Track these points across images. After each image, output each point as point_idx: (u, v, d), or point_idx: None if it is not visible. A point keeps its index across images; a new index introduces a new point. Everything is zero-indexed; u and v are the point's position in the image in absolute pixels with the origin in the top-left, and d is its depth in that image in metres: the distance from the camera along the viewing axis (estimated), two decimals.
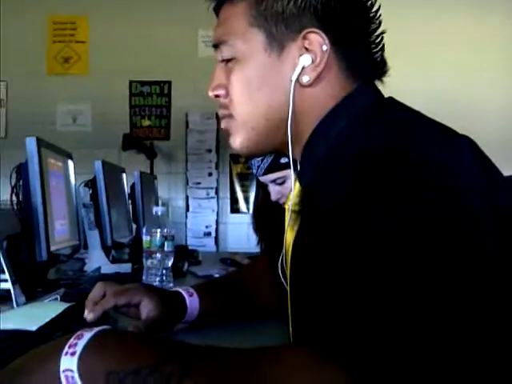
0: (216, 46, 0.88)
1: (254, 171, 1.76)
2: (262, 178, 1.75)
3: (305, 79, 0.82)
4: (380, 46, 0.86)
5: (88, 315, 1.06)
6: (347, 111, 0.82)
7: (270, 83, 0.84)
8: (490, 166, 0.73)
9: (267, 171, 1.70)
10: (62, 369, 0.61)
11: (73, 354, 0.61)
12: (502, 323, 0.60)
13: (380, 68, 0.87)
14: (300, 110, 0.84)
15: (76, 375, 0.60)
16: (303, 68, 0.82)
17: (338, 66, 0.83)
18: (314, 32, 0.81)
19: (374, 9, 0.85)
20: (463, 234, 0.61)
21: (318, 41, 0.81)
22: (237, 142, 0.89)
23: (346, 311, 0.59)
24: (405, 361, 0.54)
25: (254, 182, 4.16)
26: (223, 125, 0.90)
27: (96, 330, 0.64)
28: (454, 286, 0.57)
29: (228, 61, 0.87)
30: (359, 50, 0.84)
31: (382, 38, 0.86)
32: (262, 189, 1.89)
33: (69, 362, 0.61)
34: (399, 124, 0.75)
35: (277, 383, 0.56)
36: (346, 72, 0.84)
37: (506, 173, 0.77)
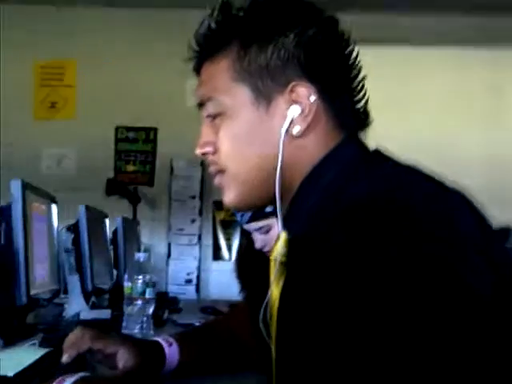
0: (201, 105, 0.88)
1: (239, 219, 1.76)
2: (246, 226, 1.76)
3: (295, 130, 0.82)
4: (362, 94, 0.87)
5: (63, 356, 1.04)
6: (336, 162, 0.82)
7: (259, 137, 0.84)
8: (483, 218, 0.73)
9: (252, 219, 1.70)
10: None
11: None
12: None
13: (364, 119, 0.88)
14: (290, 161, 0.83)
15: None
16: (292, 120, 0.82)
17: (325, 116, 0.84)
18: (300, 84, 0.82)
19: (353, 56, 0.86)
20: (466, 288, 0.60)
21: (305, 92, 0.82)
22: (230, 196, 0.88)
23: (331, 373, 0.58)
24: None
25: (238, 230, 4.19)
26: (216, 181, 0.89)
27: (76, 376, 0.64)
28: (460, 362, 0.57)
29: (215, 117, 0.86)
30: (345, 100, 0.85)
31: (364, 84, 0.87)
32: (246, 236, 1.89)
33: None
34: (392, 176, 0.76)
35: None
36: (334, 122, 0.84)
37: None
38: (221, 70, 0.85)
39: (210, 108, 0.86)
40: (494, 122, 4.47)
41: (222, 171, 0.87)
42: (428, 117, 4.41)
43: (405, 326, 0.57)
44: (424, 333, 0.57)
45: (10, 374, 1.02)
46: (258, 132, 0.84)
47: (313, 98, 0.82)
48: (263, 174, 0.85)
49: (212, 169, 0.89)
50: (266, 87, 0.83)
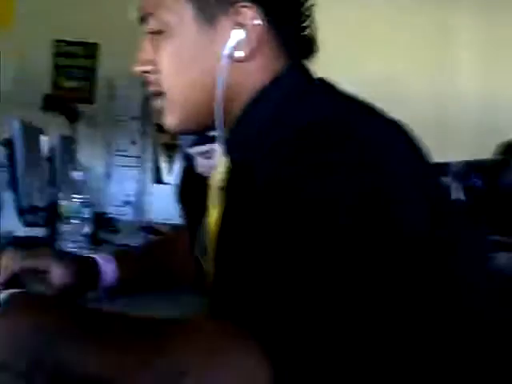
0: (142, 20, 0.84)
1: (182, 142, 1.74)
2: (189, 150, 1.73)
3: (237, 54, 0.79)
4: (310, 21, 0.84)
5: None
6: (279, 89, 0.81)
7: (200, 59, 0.81)
8: (420, 151, 0.74)
9: (195, 143, 1.68)
10: None
11: None
12: (424, 305, 0.62)
13: (310, 46, 0.86)
14: (232, 86, 0.81)
15: None
16: (235, 43, 0.79)
17: (270, 42, 0.81)
18: (245, 6, 0.79)
19: None
20: (397, 220, 0.62)
21: (250, 15, 0.79)
22: (169, 119, 0.85)
23: (266, 288, 0.59)
24: (319, 343, 0.56)
25: (180, 153, 4.16)
26: (157, 104, 0.86)
27: (6, 293, 0.63)
28: (376, 268, 0.59)
29: (156, 34, 0.82)
30: (291, 26, 0.83)
31: (311, 12, 0.84)
32: (189, 161, 1.87)
33: None
34: (332, 103, 0.75)
35: (191, 352, 0.57)
36: (279, 48, 0.82)
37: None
38: None
39: (152, 24, 0.82)
40: (440, 59, 4.50)
41: (161, 93, 0.84)
42: (375, 53, 4.40)
43: (328, 248, 0.59)
44: (344, 246, 0.59)
45: None
46: (199, 53, 0.81)
47: (258, 21, 0.79)
48: (204, 98, 0.82)
49: (151, 89, 0.86)
50: (211, 7, 0.79)
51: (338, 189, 0.61)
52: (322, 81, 0.83)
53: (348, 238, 0.59)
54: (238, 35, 0.79)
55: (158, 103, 0.86)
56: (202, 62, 0.81)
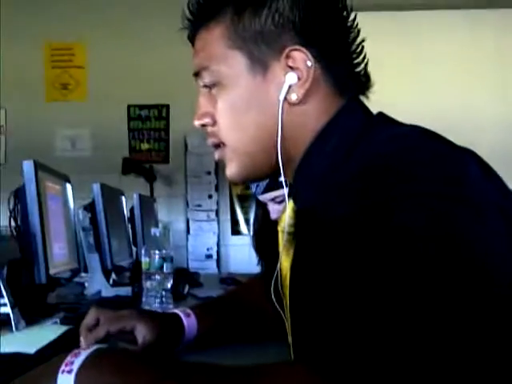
0: (197, 75, 0.86)
1: (253, 190, 1.76)
2: (261, 197, 1.75)
3: (293, 97, 0.80)
4: (362, 57, 0.85)
5: (82, 343, 1.05)
6: (339, 128, 0.80)
7: (257, 105, 0.82)
8: (495, 176, 0.71)
9: (266, 190, 1.70)
10: None
11: (69, 371, 0.61)
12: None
13: (364, 82, 0.86)
14: (291, 129, 0.82)
15: None
16: (290, 86, 0.80)
17: (324, 82, 0.82)
18: (296, 49, 0.80)
19: (351, 18, 0.84)
20: (477, 247, 0.59)
21: (301, 58, 0.80)
22: (232, 170, 0.86)
23: (346, 332, 0.57)
24: None
25: (254, 203, 4.18)
26: (217, 155, 0.88)
27: (92, 348, 0.64)
28: (462, 312, 0.55)
29: (211, 87, 0.84)
30: (343, 64, 0.83)
31: (363, 47, 0.85)
32: (262, 208, 1.88)
33: (65, 380, 0.61)
34: (398, 138, 0.73)
35: None
36: (333, 87, 0.83)
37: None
38: (215, 37, 0.83)
39: (206, 77, 0.84)
40: (504, 83, 4.37)
41: (221, 144, 0.86)
42: (438, 81, 4.33)
43: (411, 291, 0.56)
44: (428, 292, 0.55)
45: (32, 350, 1.03)
46: (255, 101, 0.82)
47: (309, 63, 0.80)
48: (264, 145, 0.83)
49: (210, 141, 0.87)
50: (262, 54, 0.81)
51: (419, 222, 0.59)
52: (382, 115, 0.82)
53: (433, 278, 0.56)
54: (291, 79, 0.80)
55: (217, 154, 0.87)
56: (258, 109, 0.82)
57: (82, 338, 1.05)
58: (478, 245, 0.59)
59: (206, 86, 0.85)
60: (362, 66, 0.85)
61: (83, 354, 0.62)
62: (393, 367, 0.53)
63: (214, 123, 0.85)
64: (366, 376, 0.53)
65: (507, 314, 0.56)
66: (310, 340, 0.70)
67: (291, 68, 0.80)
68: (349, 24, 0.84)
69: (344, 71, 0.83)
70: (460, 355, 0.53)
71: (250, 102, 0.82)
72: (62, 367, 0.62)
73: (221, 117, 0.84)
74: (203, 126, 0.87)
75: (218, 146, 0.87)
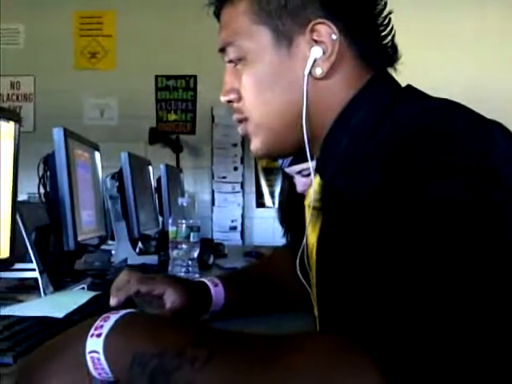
0: (222, 50, 0.86)
1: (280, 162, 1.75)
2: (287, 170, 1.74)
3: (318, 72, 0.79)
4: (389, 29, 0.83)
5: (111, 300, 1.06)
6: (367, 102, 0.79)
7: (283, 80, 0.81)
8: None
9: (293, 162, 1.69)
10: (87, 350, 0.61)
11: (99, 335, 0.61)
12: None
13: (392, 54, 0.84)
14: (316, 103, 0.81)
15: (102, 357, 0.60)
16: (315, 61, 0.79)
17: (350, 55, 0.81)
18: (321, 23, 0.79)
19: None
20: (501, 218, 0.58)
21: (326, 31, 0.78)
22: (256, 145, 0.86)
23: (376, 300, 0.57)
24: (432, 355, 0.53)
25: (279, 177, 4.18)
26: (241, 130, 0.87)
27: (122, 312, 0.64)
28: (487, 279, 0.55)
29: (236, 62, 0.84)
30: (369, 36, 0.82)
31: (390, 19, 0.83)
32: (288, 180, 1.88)
33: (95, 344, 0.61)
34: (426, 110, 0.72)
35: (302, 369, 0.55)
36: (360, 60, 0.81)
37: None
38: (240, 12, 0.83)
39: (231, 53, 0.84)
40: None
41: (245, 119, 0.86)
42: (465, 54, 4.24)
43: (440, 260, 0.55)
44: (454, 259, 0.55)
45: (61, 315, 1.04)
46: (280, 76, 0.81)
47: (334, 36, 0.79)
48: (288, 120, 0.82)
49: (235, 117, 0.87)
50: (287, 28, 0.80)
51: (449, 195, 0.58)
52: (410, 88, 0.81)
53: (461, 250, 0.56)
54: (316, 53, 0.79)
55: (242, 129, 0.87)
56: (283, 83, 0.81)
57: (112, 298, 1.07)
58: (501, 219, 0.59)
59: (231, 62, 0.85)
60: (389, 37, 0.83)
61: (113, 318, 0.63)
62: (419, 334, 0.53)
63: (240, 99, 0.85)
64: (392, 345, 0.53)
65: None
66: (337, 312, 0.70)
67: (316, 42, 0.79)
68: None
69: (370, 44, 0.82)
70: (477, 316, 0.54)
71: (275, 77, 0.81)
72: (92, 331, 0.62)
73: (246, 92, 0.84)
74: (229, 102, 0.87)
75: (242, 121, 0.86)
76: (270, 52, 0.81)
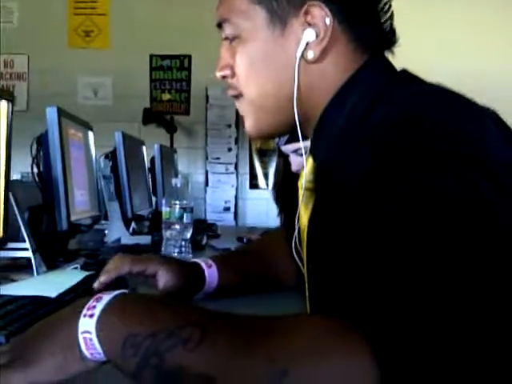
0: (219, 26, 0.86)
1: (276, 140, 1.74)
2: (283, 148, 1.73)
3: (310, 55, 0.79)
4: (388, 14, 0.83)
5: (101, 278, 1.08)
6: (360, 85, 0.79)
7: (275, 61, 0.81)
8: None
9: (289, 141, 1.68)
10: (80, 330, 0.62)
11: (91, 315, 0.62)
12: None
13: (389, 38, 0.84)
14: (308, 86, 0.81)
15: (94, 337, 0.61)
16: (308, 44, 0.79)
17: (344, 39, 0.80)
18: (315, 5, 0.78)
19: None
20: (489, 207, 0.58)
21: (320, 14, 0.78)
22: (248, 122, 0.87)
23: (367, 283, 0.57)
24: (423, 331, 0.52)
25: (274, 158, 4.18)
26: (238, 107, 0.88)
27: (115, 293, 0.64)
28: (477, 262, 0.55)
29: (232, 40, 0.84)
30: (366, 20, 0.81)
31: (390, 5, 0.83)
32: (284, 159, 1.87)
33: (87, 324, 0.61)
34: (420, 95, 0.72)
35: (295, 351, 0.55)
36: (354, 44, 0.81)
37: None
38: None
39: (227, 30, 0.84)
40: None
41: (239, 95, 0.86)
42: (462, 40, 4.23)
43: (428, 243, 0.55)
44: (443, 242, 0.55)
45: (53, 294, 1.04)
46: (273, 56, 0.81)
47: (328, 20, 0.78)
48: (280, 101, 0.83)
49: (230, 92, 0.88)
50: (282, 9, 0.80)
51: (438, 181, 0.58)
52: (405, 72, 0.81)
53: (450, 232, 0.56)
54: (308, 36, 0.79)
55: (238, 105, 0.88)
56: (276, 64, 0.81)
57: (100, 278, 1.07)
58: (491, 206, 0.58)
59: (227, 39, 0.85)
60: (388, 22, 0.83)
61: (105, 299, 0.63)
62: (410, 315, 0.53)
63: (234, 75, 0.85)
64: (384, 326, 0.53)
65: None
66: (327, 293, 0.70)
67: (310, 25, 0.79)
68: None
69: (368, 28, 0.81)
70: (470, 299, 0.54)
71: (268, 57, 0.82)
72: (84, 311, 0.63)
73: (239, 69, 0.84)
74: (224, 77, 0.87)
75: (237, 97, 0.87)
76: (265, 32, 0.81)
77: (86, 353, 0.62)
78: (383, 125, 0.67)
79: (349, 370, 0.52)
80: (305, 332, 0.56)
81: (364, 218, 0.61)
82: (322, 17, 0.78)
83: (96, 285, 1.08)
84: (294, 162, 1.71)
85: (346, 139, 0.75)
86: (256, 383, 0.54)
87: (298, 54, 0.80)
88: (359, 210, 0.62)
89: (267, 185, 4.44)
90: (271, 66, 0.82)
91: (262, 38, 0.81)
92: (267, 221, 3.83)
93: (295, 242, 0.94)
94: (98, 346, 0.61)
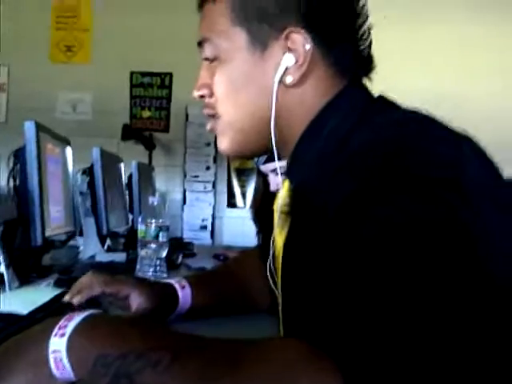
0: (200, 44, 0.86)
1: (255, 160, 1.75)
2: (262, 167, 1.74)
3: (288, 80, 0.80)
4: (367, 42, 0.84)
5: (74, 299, 1.06)
6: (338, 110, 0.80)
7: (253, 83, 0.82)
8: (492, 165, 0.70)
9: (268, 160, 1.69)
10: (50, 350, 0.61)
11: (62, 335, 0.61)
12: (501, 326, 0.58)
13: (367, 64, 0.85)
14: (287, 110, 0.81)
15: (64, 356, 0.60)
16: (287, 68, 0.80)
17: (324, 65, 0.81)
18: (295, 31, 0.79)
19: (361, 4, 0.83)
20: (467, 233, 0.59)
21: (300, 40, 0.79)
22: (223, 143, 0.87)
23: (340, 307, 0.57)
24: (395, 360, 0.53)
25: (252, 177, 4.19)
26: (209, 126, 0.88)
27: (86, 313, 0.64)
28: (453, 287, 0.56)
29: (212, 60, 0.84)
30: (345, 47, 0.82)
31: (370, 33, 0.84)
32: (263, 178, 1.88)
33: (58, 344, 0.61)
34: (398, 122, 0.72)
35: (264, 376, 0.55)
36: (334, 69, 0.82)
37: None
38: (220, 10, 0.83)
39: (207, 50, 0.85)
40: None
41: (215, 116, 0.86)
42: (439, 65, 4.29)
43: (404, 268, 0.56)
44: (419, 267, 0.56)
45: (25, 312, 1.03)
46: (252, 78, 0.82)
47: (308, 46, 0.79)
48: (258, 123, 0.83)
49: (206, 111, 0.88)
50: (263, 32, 0.80)
51: (415, 205, 0.59)
52: (382, 98, 0.82)
53: (424, 258, 0.56)
54: (288, 60, 0.80)
55: (210, 126, 0.88)
56: (254, 87, 0.82)
57: (76, 297, 1.06)
58: (468, 231, 0.59)
59: (207, 59, 0.85)
60: (367, 49, 0.84)
61: (77, 319, 0.63)
62: (379, 340, 0.53)
63: (212, 95, 0.85)
64: (354, 351, 0.54)
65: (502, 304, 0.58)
66: (300, 317, 0.70)
67: (289, 49, 0.80)
68: (357, 10, 0.83)
69: (347, 55, 0.82)
70: (444, 323, 0.54)
71: (247, 80, 0.82)
72: (55, 330, 0.62)
73: (217, 90, 0.84)
74: (202, 96, 0.87)
75: (212, 116, 0.87)
76: (244, 54, 0.81)
77: (56, 372, 0.61)
78: (362, 151, 0.68)
79: None
80: (277, 359, 0.57)
81: (339, 241, 0.61)
82: (302, 43, 0.79)
83: (67, 298, 1.06)
84: (273, 181, 1.72)
85: (324, 164, 0.75)
86: None
87: (277, 79, 0.80)
88: (335, 234, 0.62)
89: (245, 203, 4.44)
90: (250, 89, 0.82)
91: (241, 60, 0.82)
92: (244, 240, 3.82)
93: (269, 265, 0.94)
94: (67, 365, 0.60)
